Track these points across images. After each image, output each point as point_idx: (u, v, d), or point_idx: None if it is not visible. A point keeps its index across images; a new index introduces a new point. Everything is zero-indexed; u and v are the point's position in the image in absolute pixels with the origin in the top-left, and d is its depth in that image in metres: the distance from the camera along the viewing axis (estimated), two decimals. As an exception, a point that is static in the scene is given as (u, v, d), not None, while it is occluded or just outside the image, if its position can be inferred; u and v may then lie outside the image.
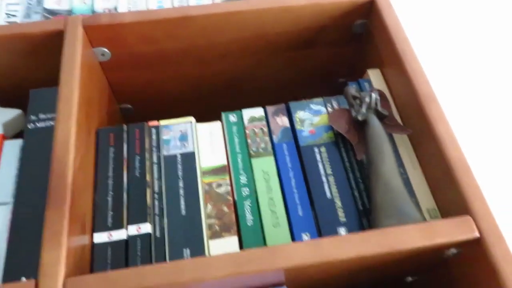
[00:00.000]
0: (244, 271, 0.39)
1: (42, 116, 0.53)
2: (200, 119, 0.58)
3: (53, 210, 0.42)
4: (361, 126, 0.54)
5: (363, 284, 0.57)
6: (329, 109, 0.57)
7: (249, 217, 0.50)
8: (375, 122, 0.52)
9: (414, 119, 0.52)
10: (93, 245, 0.47)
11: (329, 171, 0.52)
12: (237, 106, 0.66)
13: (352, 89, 0.54)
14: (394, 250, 0.41)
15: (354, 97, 0.54)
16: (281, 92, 0.74)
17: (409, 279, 0.57)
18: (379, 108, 0.52)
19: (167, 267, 0.39)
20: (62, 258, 0.39)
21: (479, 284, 0.43)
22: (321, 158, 0.53)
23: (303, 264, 0.40)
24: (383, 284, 0.61)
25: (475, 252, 0.43)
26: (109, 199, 0.50)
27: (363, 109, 0.52)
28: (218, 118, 0.58)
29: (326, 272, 0.44)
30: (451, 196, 0.46)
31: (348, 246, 0.40)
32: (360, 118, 0.52)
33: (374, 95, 0.52)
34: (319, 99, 0.58)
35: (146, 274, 0.38)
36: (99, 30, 0.57)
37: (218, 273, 0.39)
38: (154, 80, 0.68)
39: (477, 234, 0.42)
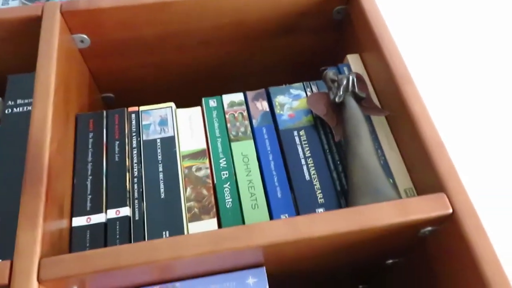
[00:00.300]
0: (221, 248, 0.39)
1: (19, 101, 0.52)
2: (182, 106, 0.58)
3: (29, 191, 0.41)
4: (339, 109, 0.54)
5: (344, 268, 0.58)
6: (309, 94, 0.58)
7: (228, 200, 0.50)
8: (352, 104, 0.52)
9: (391, 101, 0.53)
10: (71, 228, 0.47)
11: (308, 153, 0.53)
12: (219, 93, 0.66)
13: (330, 73, 0.55)
14: (368, 226, 0.41)
15: (333, 81, 0.55)
16: (263, 78, 0.75)
17: (389, 262, 0.58)
18: (357, 90, 0.53)
19: (144, 246, 0.39)
20: (37, 239, 0.39)
21: (455, 261, 0.44)
22: (300, 141, 0.54)
23: (280, 241, 0.40)
24: (364, 269, 0.62)
25: (449, 228, 0.44)
26: (88, 183, 0.50)
27: (340, 92, 0.52)
28: (200, 105, 0.58)
29: (304, 251, 0.44)
30: (426, 175, 0.47)
31: (323, 223, 0.41)
32: (337, 100, 0.52)
33: (351, 77, 0.52)
34: (299, 84, 0.59)
35: (122, 253, 0.39)
36: (77, 16, 0.57)
37: (195, 251, 0.39)
38: (135, 68, 0.68)
39: (450, 210, 0.42)
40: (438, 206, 0.42)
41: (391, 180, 0.49)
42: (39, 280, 0.37)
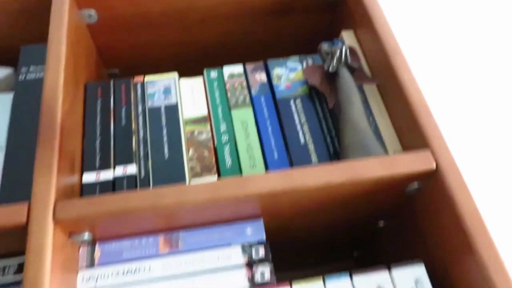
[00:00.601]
0: (220, 196, 0.43)
1: (32, 68, 0.56)
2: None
3: (44, 145, 0.45)
4: (333, 79, 0.57)
5: (339, 230, 0.61)
6: (305, 66, 0.61)
7: (228, 160, 0.53)
8: (345, 74, 0.55)
9: (382, 71, 0.56)
10: (82, 185, 0.50)
11: (303, 120, 0.56)
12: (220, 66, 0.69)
13: (325, 45, 0.58)
14: (359, 179, 0.44)
15: (327, 53, 0.58)
16: (262, 54, 0.78)
17: (381, 224, 0.61)
18: (349, 61, 0.56)
19: (150, 192, 0.42)
20: (52, 184, 0.42)
21: (440, 217, 0.47)
22: (296, 109, 0.57)
23: (275, 191, 0.43)
24: (358, 233, 0.65)
25: (434, 184, 0.47)
26: (97, 144, 0.53)
27: (334, 62, 0.56)
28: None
29: (299, 204, 0.48)
30: (413, 136, 0.50)
31: (316, 174, 0.44)
32: (331, 69, 0.56)
33: (344, 48, 0.56)
34: (295, 57, 0.62)
35: (130, 198, 0.42)
36: (86, -9, 0.61)
37: (196, 198, 0.42)
38: (140, 44, 0.71)
39: (434, 166, 0.45)
40: (423, 162, 0.46)
41: (380, 141, 0.53)
42: (54, 220, 0.41)
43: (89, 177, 0.51)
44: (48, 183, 0.42)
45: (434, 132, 0.48)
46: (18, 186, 0.46)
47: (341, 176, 0.44)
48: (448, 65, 1.01)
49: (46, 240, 0.39)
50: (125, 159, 0.53)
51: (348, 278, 0.46)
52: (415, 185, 0.49)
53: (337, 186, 0.45)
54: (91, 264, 0.47)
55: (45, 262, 0.39)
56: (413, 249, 0.55)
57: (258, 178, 0.44)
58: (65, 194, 0.45)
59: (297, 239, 0.60)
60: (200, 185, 0.43)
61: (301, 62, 0.62)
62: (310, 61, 0.62)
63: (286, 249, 0.60)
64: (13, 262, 0.47)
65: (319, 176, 0.44)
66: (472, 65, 1.01)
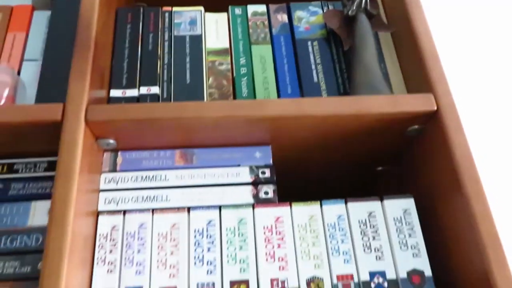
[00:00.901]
0: (235, 115, 0.47)
1: (67, -14, 0.59)
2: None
3: (79, 56, 0.49)
4: (350, 24, 0.60)
5: (341, 166, 0.65)
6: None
7: (244, 90, 0.57)
8: (363, 19, 0.58)
9: (398, 20, 0.59)
10: (109, 98, 0.55)
11: (318, 60, 0.59)
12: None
13: (347, -9, 0.61)
14: (364, 112, 0.48)
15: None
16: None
17: (380, 168, 0.65)
18: (369, 7, 0.59)
19: (173, 105, 0.47)
20: (85, 89, 0.47)
21: (434, 159, 0.51)
22: (313, 50, 0.60)
23: (286, 115, 0.47)
24: (359, 176, 0.69)
25: (433, 127, 0.50)
26: (125, 64, 0.57)
27: (354, 6, 0.58)
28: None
29: (306, 131, 0.51)
30: (419, 83, 0.53)
31: (325, 104, 0.48)
32: (350, 13, 0.58)
33: (365, -5, 0.58)
34: (317, 2, 0.65)
35: (156, 108, 0.46)
36: None
37: (214, 114, 0.47)
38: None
39: (435, 108, 0.49)
40: (425, 103, 0.49)
41: (388, 83, 0.56)
42: (86, 121, 0.45)
43: (116, 93, 0.55)
44: (82, 88, 0.47)
45: (439, 77, 0.51)
46: (53, 90, 0.50)
47: (348, 108, 0.48)
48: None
49: (78, 137, 0.44)
50: (150, 81, 0.57)
51: (343, 204, 0.51)
52: (415, 127, 0.52)
53: (344, 118, 0.49)
54: (113, 169, 0.52)
55: (76, 157, 0.44)
56: (406, 192, 0.59)
57: (272, 102, 0.48)
58: (95, 102, 0.50)
59: (299, 174, 0.64)
60: (219, 102, 0.47)
61: (322, 8, 0.64)
62: (331, 7, 0.64)
63: (287, 184, 0.64)
64: (44, 160, 0.52)
65: (328, 106, 0.48)
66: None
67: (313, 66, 0.59)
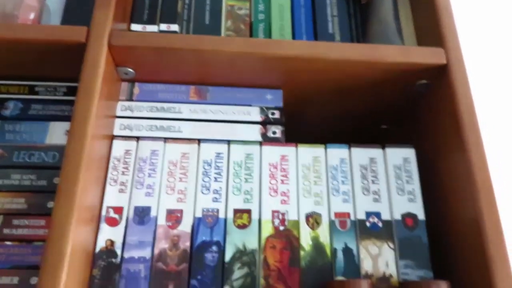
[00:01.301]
0: (251, 51, 0.49)
1: None
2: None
3: (105, -17, 0.50)
4: (370, -21, 0.61)
5: (346, 120, 0.67)
6: (346, -34, 0.65)
7: (260, 36, 0.58)
8: (382, -25, 0.59)
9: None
10: (130, 31, 0.56)
11: (335, 13, 0.61)
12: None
13: None
14: (375, 59, 0.50)
15: (370, -45, 0.61)
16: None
17: (384, 126, 0.67)
18: (389, -37, 0.60)
19: (192, 37, 0.49)
20: (109, 17, 0.48)
21: (440, 115, 0.53)
22: (331, 2, 0.61)
23: (300, 56, 0.49)
24: (361, 131, 0.71)
25: (441, 81, 0.52)
26: (146, 1, 0.59)
27: (375, -39, 0.59)
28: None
29: (318, 76, 0.53)
30: (431, 38, 0.54)
31: (339, 49, 0.50)
32: (370, -33, 0.59)
33: (386, -50, 0.59)
34: (339, -43, 0.66)
35: (174, 38, 0.48)
36: None
37: (230, 49, 0.48)
38: None
39: (444, 61, 0.50)
40: (435, 56, 0.51)
41: (401, 36, 0.58)
42: (109, 44, 0.47)
43: (136, 27, 0.57)
44: (106, 15, 0.48)
45: (451, 33, 0.52)
46: (78, 18, 0.52)
47: (361, 55, 0.50)
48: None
49: (100, 59, 0.46)
50: (170, 19, 0.58)
51: (347, 148, 0.53)
52: (424, 81, 0.54)
53: (355, 64, 0.50)
54: (130, 98, 0.54)
55: (97, 79, 0.46)
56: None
57: (287, 43, 0.49)
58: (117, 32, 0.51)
59: (306, 120, 0.66)
60: (236, 38, 0.49)
61: (343, -38, 0.65)
62: (352, -37, 0.65)
63: (294, 127, 0.66)
64: (64, 85, 0.55)
65: (341, 51, 0.50)
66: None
67: (329, 18, 0.60)
